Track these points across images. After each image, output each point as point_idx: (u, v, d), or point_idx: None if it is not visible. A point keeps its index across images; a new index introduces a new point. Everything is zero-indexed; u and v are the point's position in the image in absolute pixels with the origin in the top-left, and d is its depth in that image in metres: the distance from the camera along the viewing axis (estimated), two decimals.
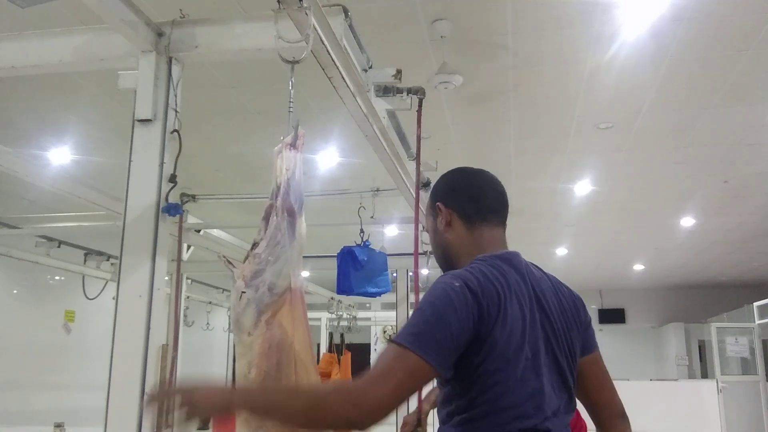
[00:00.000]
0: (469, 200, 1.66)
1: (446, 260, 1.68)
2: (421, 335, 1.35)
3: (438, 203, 1.68)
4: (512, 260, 1.58)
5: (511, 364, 1.42)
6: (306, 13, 1.83)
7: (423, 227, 4.62)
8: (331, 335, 9.84)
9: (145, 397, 1.47)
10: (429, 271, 6.31)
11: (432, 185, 1.76)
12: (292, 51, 1.90)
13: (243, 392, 1.49)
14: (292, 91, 1.84)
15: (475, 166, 1.79)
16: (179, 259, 4.59)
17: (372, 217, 4.64)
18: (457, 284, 1.42)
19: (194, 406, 1.37)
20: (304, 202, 1.85)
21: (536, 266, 1.66)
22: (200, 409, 1.37)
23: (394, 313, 6.92)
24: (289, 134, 1.90)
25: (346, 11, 2.32)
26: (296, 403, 1.32)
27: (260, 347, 1.63)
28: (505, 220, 1.70)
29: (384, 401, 1.28)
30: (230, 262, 1.81)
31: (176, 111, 2.20)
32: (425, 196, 4.49)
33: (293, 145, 1.78)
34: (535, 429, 1.43)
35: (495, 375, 1.41)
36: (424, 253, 5.27)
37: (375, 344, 13.92)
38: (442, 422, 1.52)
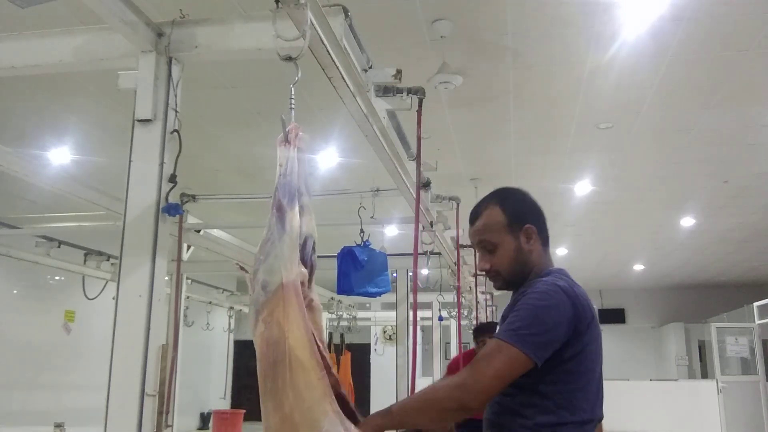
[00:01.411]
0: (543, 223, 1.83)
1: (522, 276, 1.79)
2: (521, 333, 1.56)
3: (529, 225, 1.79)
4: (569, 275, 1.77)
5: (597, 363, 1.66)
6: (304, 10, 1.83)
7: (423, 228, 4.63)
8: (331, 335, 9.86)
9: None
10: (429, 271, 6.32)
11: (503, 201, 1.84)
12: (290, 48, 1.90)
13: (386, 417, 1.67)
14: (292, 89, 1.83)
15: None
16: (179, 259, 4.59)
17: (372, 217, 4.64)
18: (558, 289, 1.63)
19: None
20: (305, 196, 1.84)
21: None
22: None
23: (394, 313, 6.92)
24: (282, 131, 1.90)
25: (346, 11, 2.32)
26: (416, 404, 1.62)
27: (259, 347, 1.63)
28: None
29: (485, 383, 1.53)
30: (243, 268, 1.81)
31: (176, 111, 2.20)
32: (425, 196, 4.51)
33: (285, 141, 1.78)
34: None
35: (580, 379, 1.63)
36: (424, 253, 5.28)
37: (375, 344, 13.94)
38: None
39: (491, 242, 1.80)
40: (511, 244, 1.78)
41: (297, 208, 1.73)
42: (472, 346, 5.34)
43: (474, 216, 1.88)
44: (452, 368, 5.15)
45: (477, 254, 1.90)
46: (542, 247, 1.80)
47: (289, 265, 1.66)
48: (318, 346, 1.68)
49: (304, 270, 1.77)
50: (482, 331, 4.93)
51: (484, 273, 1.86)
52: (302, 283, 1.77)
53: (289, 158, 1.75)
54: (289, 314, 1.62)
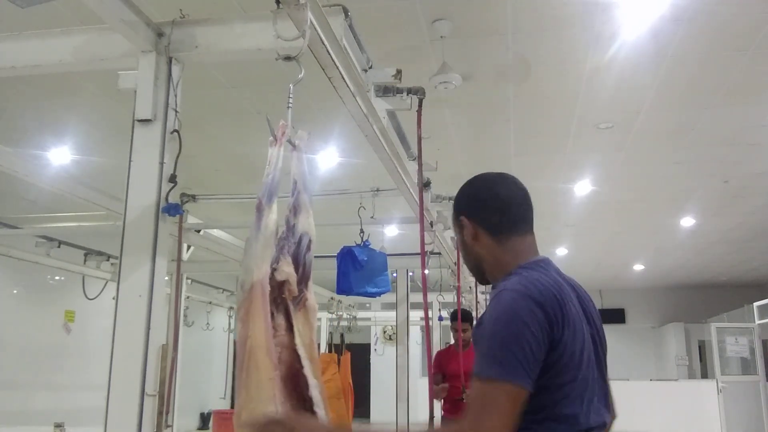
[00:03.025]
0: (493, 212, 1.59)
1: (479, 272, 1.64)
2: (505, 362, 1.34)
3: (461, 217, 1.62)
4: (550, 264, 1.57)
5: (578, 368, 1.43)
6: (303, 10, 1.83)
7: (432, 225, 4.63)
8: (331, 335, 9.85)
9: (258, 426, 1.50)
10: (429, 271, 6.31)
11: (456, 195, 1.69)
12: (290, 48, 1.90)
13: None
14: (291, 87, 1.83)
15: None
16: (179, 259, 4.59)
17: (372, 217, 4.64)
18: (520, 298, 1.40)
19: None
20: (303, 194, 1.84)
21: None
22: None
23: (394, 313, 6.91)
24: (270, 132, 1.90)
25: (346, 11, 2.32)
26: None
27: (236, 346, 1.65)
28: (533, 224, 1.64)
29: None
30: None
31: (176, 111, 2.20)
32: (425, 196, 4.51)
33: (273, 140, 1.78)
34: None
35: (564, 376, 1.40)
36: (428, 253, 5.29)
37: (375, 344, 13.94)
38: None
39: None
40: (458, 240, 1.67)
41: (275, 206, 1.73)
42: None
43: None
44: (435, 363, 5.22)
45: None
46: (496, 242, 1.57)
47: (260, 264, 1.67)
48: (295, 346, 1.68)
49: (289, 269, 1.76)
50: (463, 318, 5.00)
51: None
52: (288, 283, 1.77)
53: (274, 157, 1.76)
54: (252, 312, 1.63)
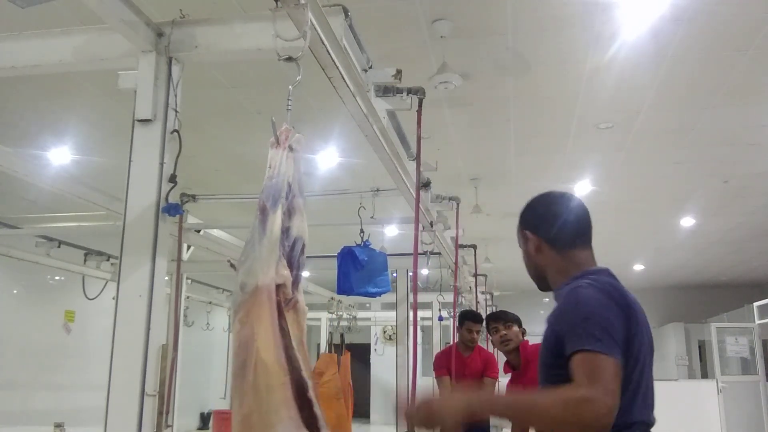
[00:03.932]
0: (556, 230, 1.80)
1: (541, 279, 1.84)
2: (604, 340, 1.48)
3: (526, 231, 1.84)
4: (610, 274, 1.75)
5: (642, 365, 1.59)
6: (304, 10, 1.83)
7: (423, 228, 4.61)
8: (331, 335, 9.85)
9: (400, 410, 1.56)
10: (429, 271, 6.32)
11: (523, 209, 1.89)
12: (290, 49, 1.90)
13: (484, 396, 1.63)
14: (291, 88, 1.83)
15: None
16: (179, 259, 4.59)
17: (372, 217, 4.64)
18: (601, 294, 1.58)
19: (435, 416, 1.47)
20: (297, 198, 1.84)
21: None
22: (442, 417, 1.46)
23: (394, 313, 6.92)
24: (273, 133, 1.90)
25: (346, 11, 2.32)
26: (525, 406, 1.48)
27: (233, 345, 1.65)
28: (591, 238, 1.87)
29: (614, 398, 1.39)
30: (234, 266, 1.82)
31: (176, 111, 2.20)
32: (425, 196, 4.51)
33: (276, 143, 1.78)
34: None
35: (629, 368, 1.53)
36: (424, 253, 5.28)
37: (375, 344, 13.94)
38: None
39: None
40: (522, 249, 1.88)
41: (279, 211, 1.73)
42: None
43: None
44: (439, 365, 5.05)
45: None
46: (558, 254, 1.79)
47: (266, 269, 1.68)
48: (293, 349, 1.68)
49: (286, 273, 1.77)
50: (477, 320, 4.85)
51: None
52: (284, 285, 1.78)
53: (277, 160, 1.75)
54: (260, 316, 1.63)
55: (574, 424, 1.38)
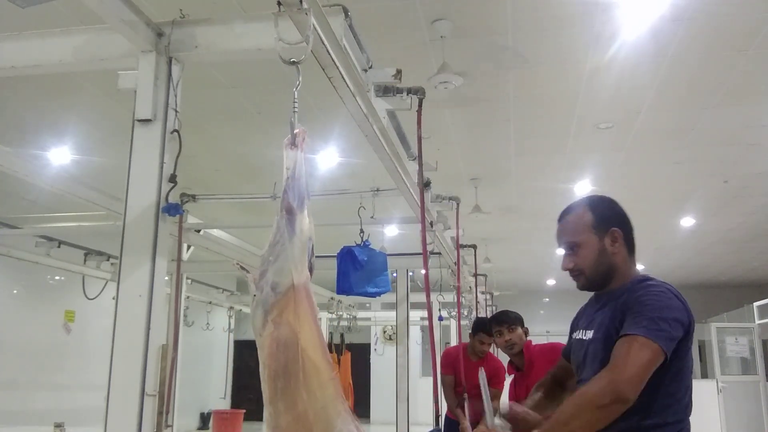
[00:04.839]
0: (631, 230, 1.93)
1: (606, 278, 1.89)
2: (651, 328, 1.65)
3: (615, 228, 1.89)
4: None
5: (691, 362, 1.76)
6: (306, 14, 1.83)
7: (432, 225, 4.58)
8: (331, 335, 9.85)
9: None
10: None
11: (593, 204, 1.95)
12: (293, 52, 1.90)
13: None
14: (296, 92, 1.83)
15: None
16: (179, 259, 4.59)
17: (372, 217, 4.64)
18: (673, 293, 1.75)
19: None
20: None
21: None
22: None
23: (394, 313, 6.92)
24: (290, 134, 1.90)
25: (346, 11, 2.32)
26: (569, 409, 1.65)
27: (269, 347, 1.64)
28: None
29: (634, 372, 1.59)
30: (244, 268, 1.83)
31: (176, 111, 2.20)
32: (425, 196, 4.50)
33: (293, 144, 1.79)
34: None
35: (681, 362, 1.71)
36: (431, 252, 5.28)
37: (375, 344, 13.94)
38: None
39: (574, 242, 1.91)
40: (595, 245, 1.88)
41: (306, 211, 1.75)
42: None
43: (562, 216, 1.99)
44: (445, 363, 4.99)
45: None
46: (628, 254, 1.89)
47: (300, 267, 1.69)
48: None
49: (307, 273, 1.79)
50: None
51: (568, 272, 1.94)
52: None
53: (297, 161, 1.76)
54: (300, 315, 1.64)
55: (606, 405, 1.58)
